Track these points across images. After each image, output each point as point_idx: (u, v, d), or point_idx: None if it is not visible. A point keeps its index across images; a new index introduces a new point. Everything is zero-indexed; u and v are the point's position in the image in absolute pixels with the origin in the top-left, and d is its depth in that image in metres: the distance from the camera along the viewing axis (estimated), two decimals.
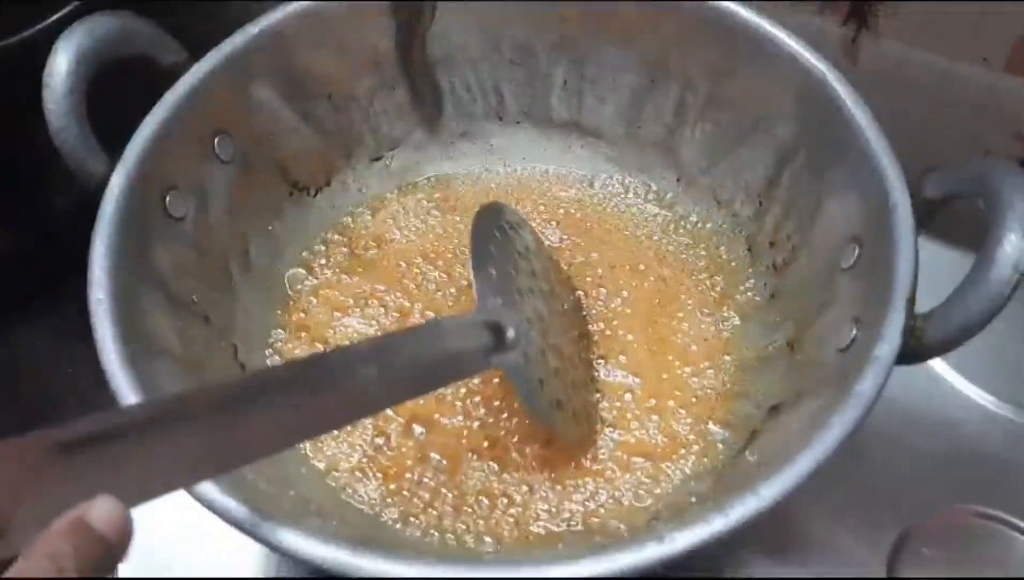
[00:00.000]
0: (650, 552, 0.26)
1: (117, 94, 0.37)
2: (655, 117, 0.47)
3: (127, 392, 0.30)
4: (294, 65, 0.43)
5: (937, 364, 0.47)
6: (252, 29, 0.41)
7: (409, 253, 0.46)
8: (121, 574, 0.44)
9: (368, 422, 0.40)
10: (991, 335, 0.46)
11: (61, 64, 0.36)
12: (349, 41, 0.44)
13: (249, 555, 0.44)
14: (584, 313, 0.44)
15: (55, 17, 0.40)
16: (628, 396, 0.41)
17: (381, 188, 0.48)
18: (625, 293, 0.44)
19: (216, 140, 0.41)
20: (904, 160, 0.34)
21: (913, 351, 0.30)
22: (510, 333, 0.35)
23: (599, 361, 0.42)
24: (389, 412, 0.40)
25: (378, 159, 0.48)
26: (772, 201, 0.43)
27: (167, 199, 0.38)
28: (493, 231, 0.40)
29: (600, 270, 0.45)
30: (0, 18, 0.39)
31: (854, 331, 0.33)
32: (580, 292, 0.44)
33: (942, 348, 0.30)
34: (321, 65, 0.44)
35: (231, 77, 0.41)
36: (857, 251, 0.36)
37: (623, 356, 0.42)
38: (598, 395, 0.41)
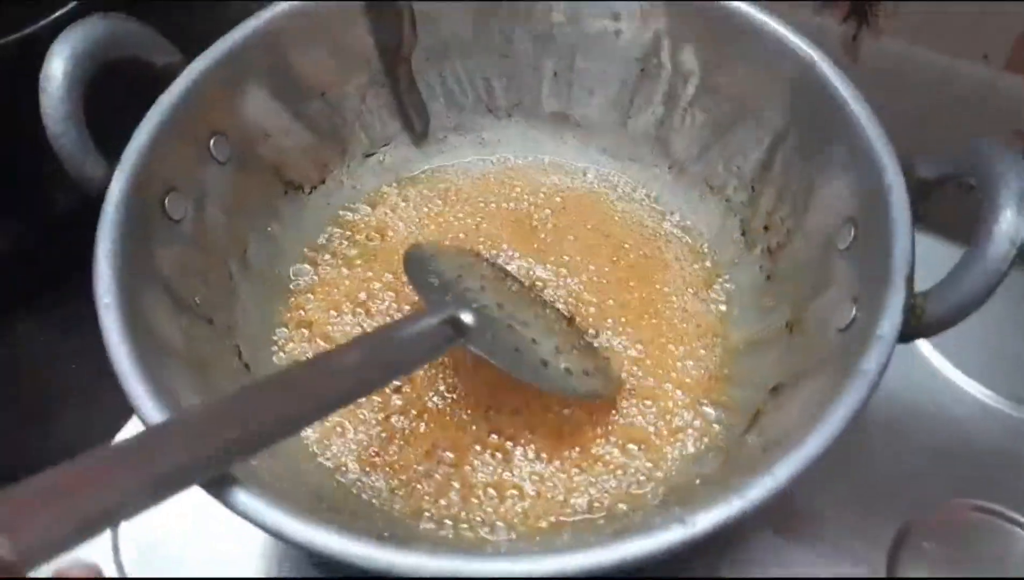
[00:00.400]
0: (674, 535, 0.26)
1: (108, 96, 0.36)
2: (645, 107, 0.47)
3: (140, 395, 0.30)
4: (286, 64, 0.43)
5: (936, 360, 0.47)
6: (244, 29, 0.41)
7: (411, 242, 0.46)
8: (133, 574, 0.44)
9: (373, 419, 0.40)
10: (990, 330, 0.47)
11: (57, 68, 0.35)
12: (339, 39, 0.45)
13: (250, 554, 0.44)
14: (553, 302, 0.44)
15: (55, 16, 0.40)
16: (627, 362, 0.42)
17: (377, 183, 0.49)
18: (607, 268, 0.45)
19: (212, 141, 0.41)
20: (904, 157, 0.35)
21: (914, 329, 0.31)
22: (466, 317, 0.37)
23: (591, 333, 0.43)
24: (398, 402, 0.40)
25: (371, 155, 0.49)
26: (765, 185, 0.43)
27: (166, 201, 0.38)
28: (424, 258, 0.42)
29: (588, 246, 0.46)
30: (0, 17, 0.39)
31: (854, 311, 0.34)
32: (548, 272, 0.45)
33: (942, 325, 0.31)
34: (313, 64, 0.44)
35: (225, 77, 0.41)
36: (853, 232, 0.36)
37: (610, 320, 0.43)
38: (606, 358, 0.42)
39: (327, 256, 0.46)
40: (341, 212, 0.47)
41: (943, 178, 0.34)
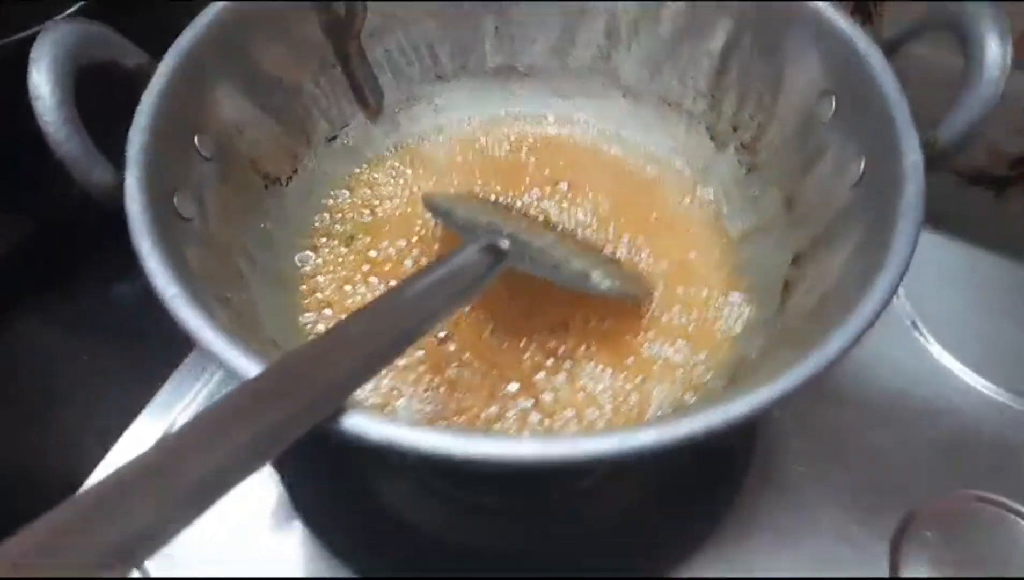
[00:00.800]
0: (814, 362, 0.29)
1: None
2: (589, 43, 0.49)
3: (249, 367, 0.29)
4: (244, 53, 0.42)
5: (939, 354, 0.50)
6: (199, 23, 0.40)
7: (401, 213, 0.47)
8: (156, 574, 0.43)
9: (427, 375, 0.40)
10: (991, 325, 0.51)
11: (43, 77, 0.33)
12: (288, 25, 0.44)
13: (288, 554, 0.44)
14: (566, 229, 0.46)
15: (60, 17, 0.37)
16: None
17: (347, 167, 0.48)
18: (603, 192, 0.47)
19: (196, 138, 0.40)
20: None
21: (931, 159, 0.35)
22: (504, 243, 0.37)
23: (609, 249, 0.45)
24: (450, 349, 0.41)
25: (334, 139, 0.48)
26: (724, 90, 0.46)
27: (175, 201, 0.37)
28: (440, 203, 0.43)
29: (578, 174, 0.48)
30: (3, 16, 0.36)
31: (863, 164, 0.37)
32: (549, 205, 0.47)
33: (955, 150, 0.35)
34: (267, 52, 0.43)
35: (192, 73, 0.39)
36: (833, 103, 0.40)
37: (625, 237, 0.45)
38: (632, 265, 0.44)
39: (323, 239, 0.45)
40: (324, 200, 0.47)
41: (914, 31, 0.38)
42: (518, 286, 0.41)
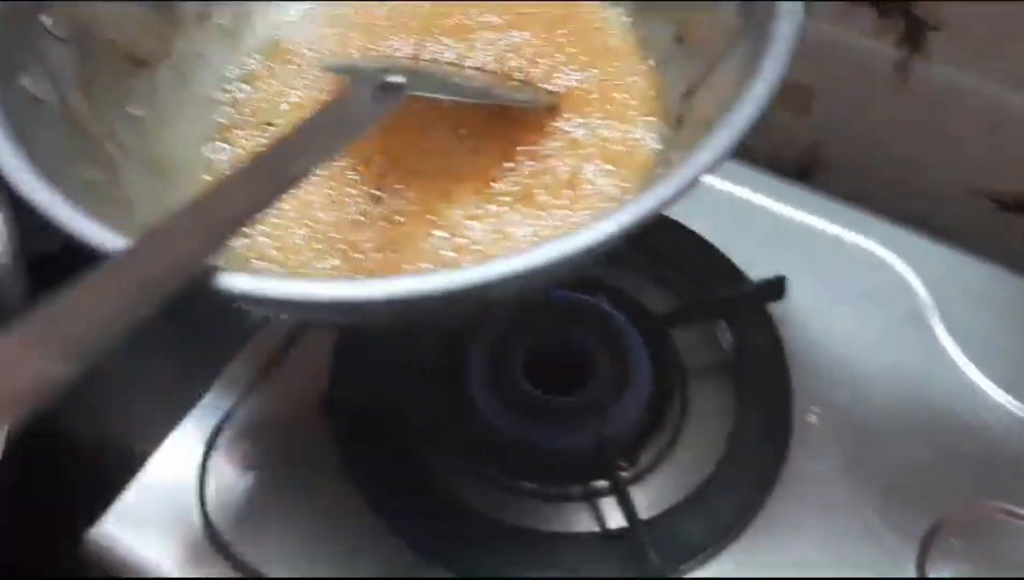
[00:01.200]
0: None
1: None
2: None
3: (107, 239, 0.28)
4: None
5: (972, 372, 0.50)
6: None
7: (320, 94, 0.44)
8: (273, 575, 0.44)
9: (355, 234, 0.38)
10: (1021, 344, 0.51)
11: None
12: None
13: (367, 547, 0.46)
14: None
15: None
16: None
17: (232, 53, 0.46)
18: (506, 23, 0.45)
19: (42, 17, 0.37)
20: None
21: None
22: (396, 78, 0.36)
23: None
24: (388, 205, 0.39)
25: (207, 18, 0.45)
26: None
27: (23, 81, 0.34)
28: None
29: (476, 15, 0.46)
30: None
31: None
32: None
33: None
34: None
35: None
36: None
37: (539, 61, 0.44)
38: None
39: (236, 131, 0.43)
40: (217, 94, 0.45)
41: None
42: (464, 129, 0.40)
